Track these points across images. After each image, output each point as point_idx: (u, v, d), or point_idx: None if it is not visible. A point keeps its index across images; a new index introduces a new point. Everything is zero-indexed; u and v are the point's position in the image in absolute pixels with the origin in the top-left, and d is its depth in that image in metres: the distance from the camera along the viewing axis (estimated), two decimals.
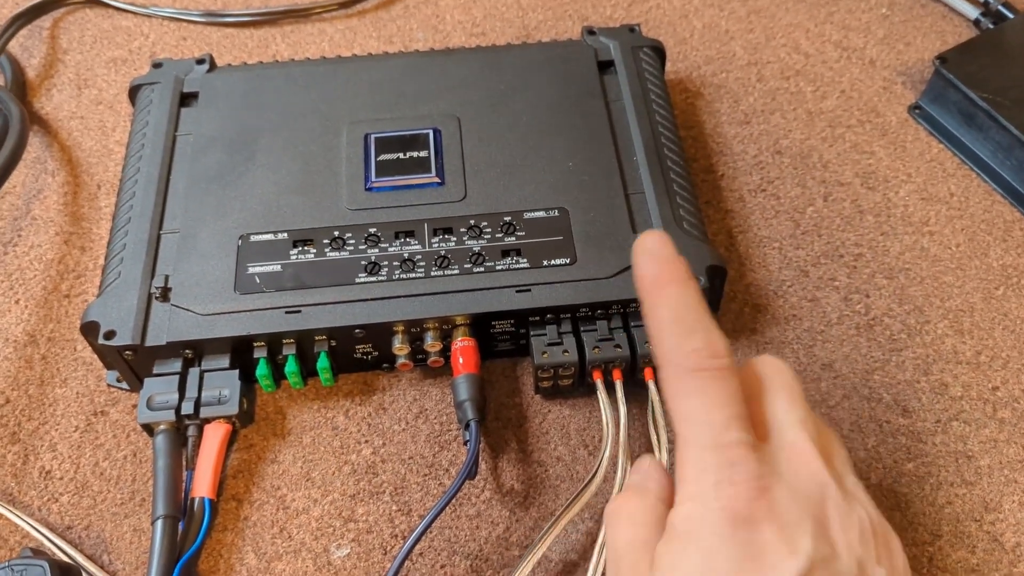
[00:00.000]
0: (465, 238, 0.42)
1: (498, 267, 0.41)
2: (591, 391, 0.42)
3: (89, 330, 0.40)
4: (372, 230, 0.43)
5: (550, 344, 0.41)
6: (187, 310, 0.40)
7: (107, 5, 0.61)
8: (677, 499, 0.28)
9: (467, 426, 0.39)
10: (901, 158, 0.52)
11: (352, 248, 0.42)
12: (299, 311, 0.40)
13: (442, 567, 0.38)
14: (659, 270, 0.29)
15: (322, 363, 0.41)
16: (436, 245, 0.42)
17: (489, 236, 0.42)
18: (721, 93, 0.56)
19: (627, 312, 0.41)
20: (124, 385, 0.43)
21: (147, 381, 0.40)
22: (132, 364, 0.41)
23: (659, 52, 0.52)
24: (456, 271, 0.41)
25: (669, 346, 0.29)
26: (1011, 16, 0.57)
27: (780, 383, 0.31)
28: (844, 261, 0.47)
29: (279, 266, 0.42)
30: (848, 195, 0.50)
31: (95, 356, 0.43)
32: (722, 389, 0.28)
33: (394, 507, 0.40)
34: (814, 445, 0.29)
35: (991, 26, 0.57)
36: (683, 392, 0.28)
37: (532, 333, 0.41)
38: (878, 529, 0.29)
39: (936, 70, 0.52)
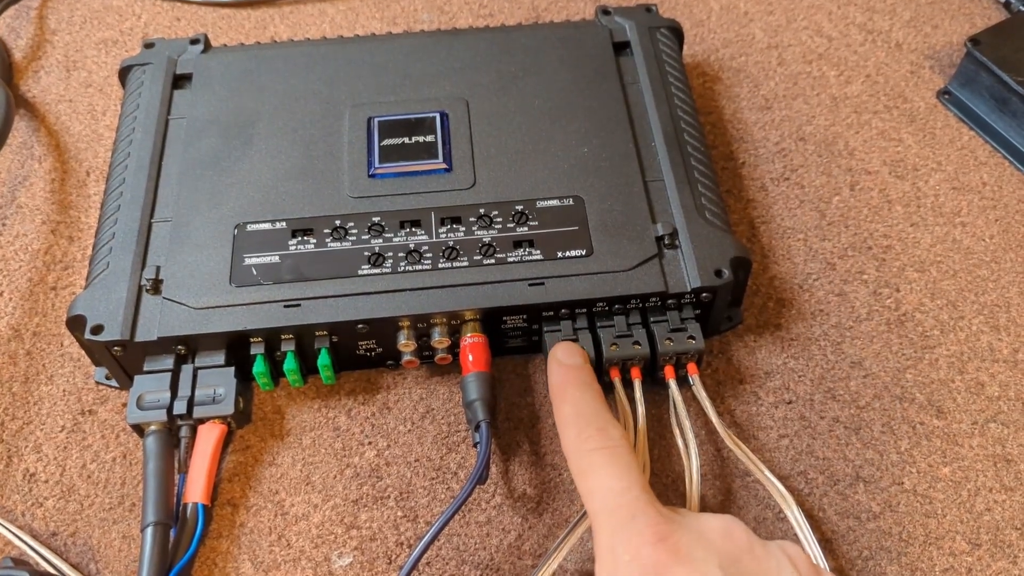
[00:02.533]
0: (474, 228, 0.40)
1: (510, 259, 0.39)
2: (608, 390, 0.39)
3: (75, 324, 0.38)
4: (376, 219, 0.40)
5: (565, 340, 0.38)
6: (179, 303, 0.38)
7: None
8: (596, 566, 0.31)
9: (477, 427, 0.37)
10: (930, 145, 0.50)
11: (355, 238, 0.40)
12: (298, 305, 0.38)
13: None
14: (565, 376, 0.36)
15: (323, 360, 0.38)
16: (444, 235, 0.40)
17: (500, 226, 0.40)
18: (740, 77, 0.53)
19: (646, 307, 0.39)
20: (113, 383, 0.40)
21: (137, 379, 0.38)
22: (121, 360, 0.38)
23: (677, 33, 0.49)
24: (465, 263, 0.39)
25: (569, 437, 0.34)
26: None
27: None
28: (873, 253, 0.45)
29: (277, 257, 0.39)
30: (876, 184, 0.48)
31: (83, 352, 0.41)
32: (617, 462, 0.32)
33: (399, 513, 0.37)
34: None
35: (1023, 8, 0.54)
36: (584, 471, 0.33)
37: (546, 329, 0.39)
38: (802, 568, 0.30)
39: (968, 53, 0.49)
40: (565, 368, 0.36)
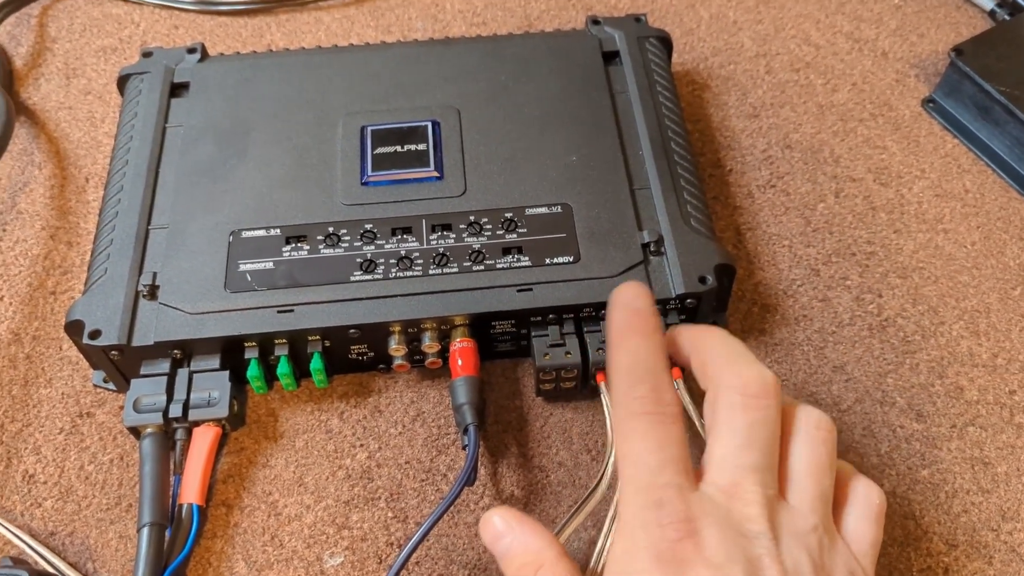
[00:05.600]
0: (464, 235, 0.41)
1: (499, 265, 0.40)
2: (594, 394, 0.40)
3: (74, 329, 0.39)
4: (368, 226, 0.41)
5: (552, 345, 0.39)
6: (175, 309, 0.39)
7: None
8: (615, 536, 0.30)
9: (466, 430, 0.38)
10: (915, 153, 0.51)
11: (347, 245, 0.41)
12: (292, 310, 0.39)
13: None
14: (628, 320, 0.32)
15: (316, 364, 0.39)
16: (434, 242, 0.41)
17: (489, 233, 0.41)
18: (729, 85, 0.54)
19: None
20: (111, 386, 0.41)
21: (134, 382, 0.39)
22: (118, 364, 0.39)
23: (666, 43, 0.50)
24: (455, 269, 0.40)
25: (620, 390, 0.31)
26: None
27: (736, 419, 0.31)
28: (856, 259, 0.46)
29: (271, 263, 0.40)
30: (860, 191, 0.49)
31: (81, 355, 0.42)
32: (661, 433, 0.30)
33: (390, 514, 0.38)
34: (759, 490, 0.29)
35: (1007, 17, 0.55)
36: (626, 434, 0.30)
37: (534, 334, 0.40)
38: (818, 562, 0.29)
39: (951, 62, 0.50)
40: (631, 312, 0.32)
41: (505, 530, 0.31)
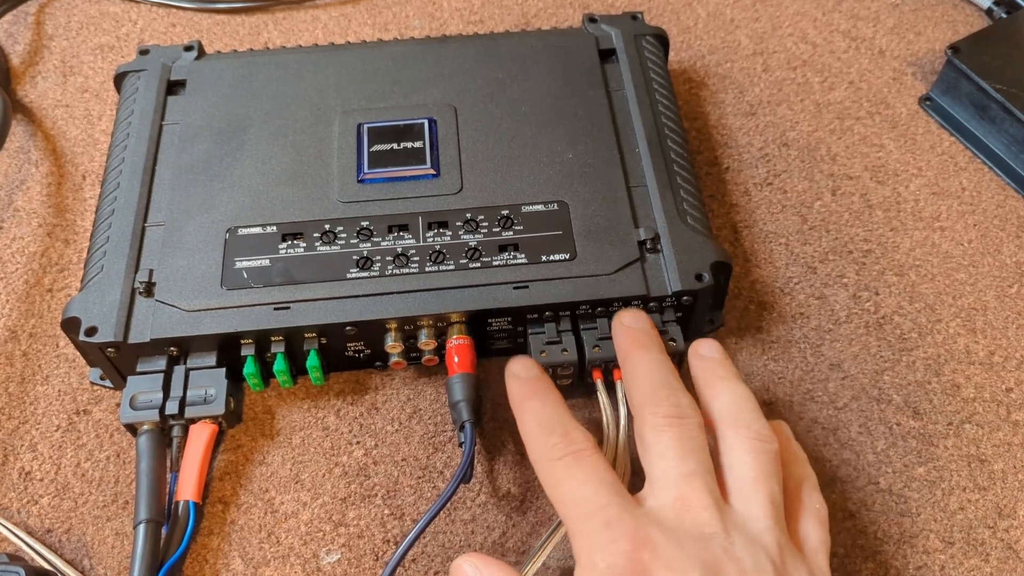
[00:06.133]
0: (461, 232, 0.41)
1: (495, 263, 0.40)
2: (591, 391, 0.40)
3: (70, 326, 0.39)
4: (364, 223, 0.41)
5: (549, 343, 0.39)
6: (172, 306, 0.39)
7: None
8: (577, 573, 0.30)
9: (462, 427, 0.38)
10: (911, 151, 0.51)
11: (343, 242, 0.41)
12: (288, 307, 0.39)
13: (435, 573, 0.37)
14: (522, 388, 0.35)
15: (312, 361, 0.39)
16: (431, 239, 0.41)
17: (486, 230, 0.41)
18: (726, 83, 0.54)
19: None
20: (107, 383, 0.41)
21: (130, 379, 0.39)
22: (115, 362, 0.39)
23: (662, 40, 0.50)
24: (451, 267, 0.40)
25: (535, 445, 0.33)
26: None
27: (663, 437, 0.32)
28: (853, 257, 0.46)
29: (267, 260, 0.40)
30: (857, 189, 0.49)
31: (78, 353, 0.42)
32: (585, 466, 0.31)
33: (386, 511, 0.38)
34: (706, 494, 0.30)
35: (1004, 15, 0.55)
36: (554, 481, 0.32)
37: (530, 331, 0.40)
38: (778, 562, 0.30)
39: (948, 60, 0.50)
40: (522, 380, 0.35)
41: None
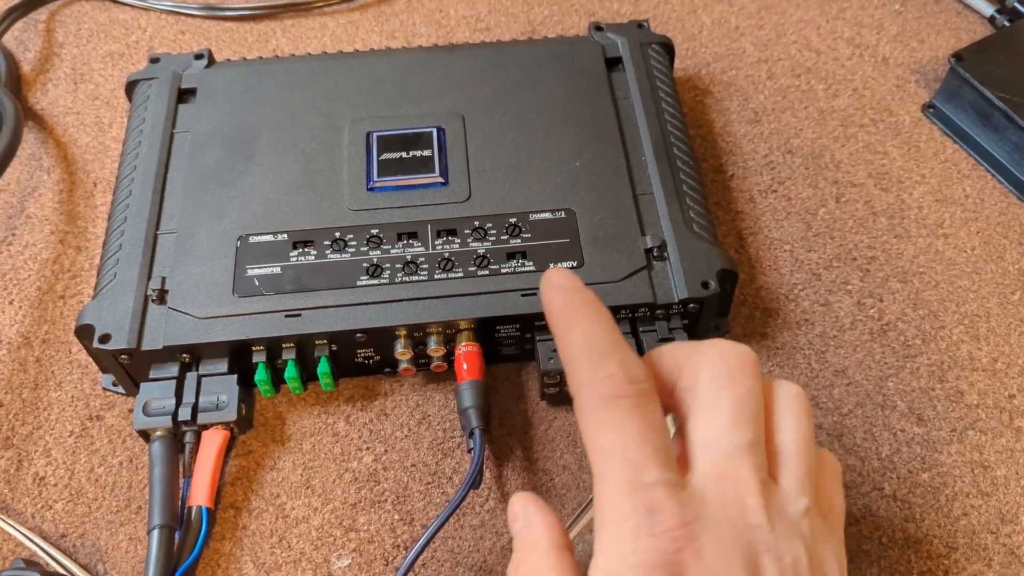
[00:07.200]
0: (469, 240, 0.41)
1: (503, 270, 0.40)
2: None
3: (84, 333, 0.39)
4: (374, 231, 0.42)
5: (556, 349, 0.39)
6: (184, 313, 0.39)
7: None
8: (596, 546, 0.26)
9: (471, 434, 0.38)
10: (915, 158, 0.51)
11: (353, 250, 0.41)
12: (299, 315, 0.39)
13: None
14: (568, 298, 0.28)
15: (322, 368, 0.40)
16: (440, 247, 0.41)
17: (494, 238, 0.41)
18: (731, 91, 0.55)
19: (635, 317, 0.40)
20: (120, 389, 0.42)
21: (143, 386, 0.39)
22: (128, 368, 0.40)
23: (668, 49, 0.50)
24: (460, 274, 0.40)
25: (582, 373, 0.27)
26: None
27: (722, 396, 0.28)
28: (857, 264, 0.46)
29: (279, 268, 0.41)
30: (861, 196, 0.49)
31: (91, 359, 0.42)
32: (640, 420, 0.26)
33: (396, 516, 0.39)
34: (754, 475, 0.27)
35: (1007, 24, 0.56)
36: (599, 424, 0.26)
37: (538, 338, 0.40)
38: (812, 551, 0.27)
39: (951, 68, 0.51)
40: (567, 291, 0.28)
41: (520, 513, 0.30)
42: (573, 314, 0.28)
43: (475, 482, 0.37)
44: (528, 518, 0.30)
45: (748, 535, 0.26)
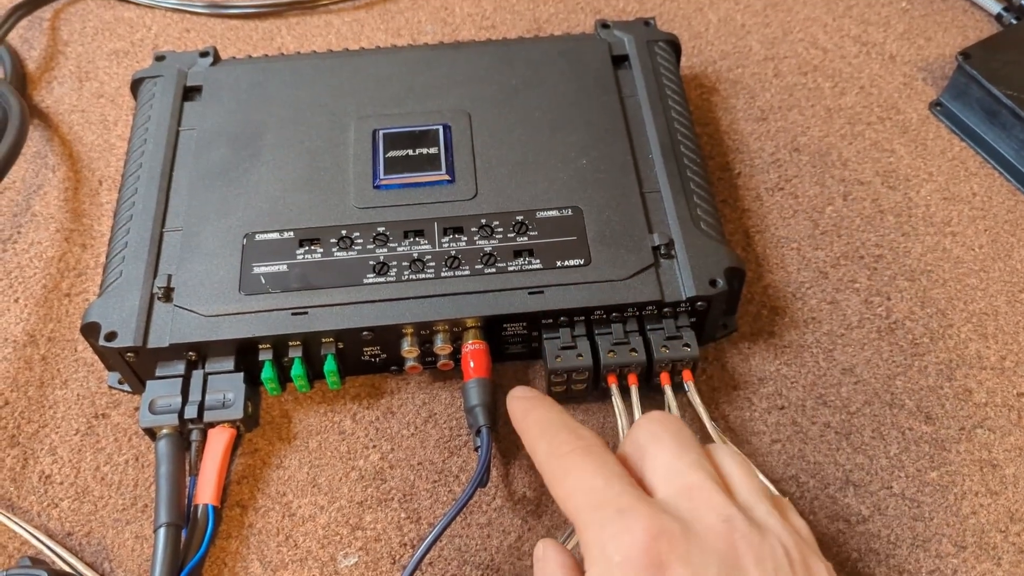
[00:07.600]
0: (476, 238, 0.41)
1: (510, 268, 0.40)
2: (605, 396, 0.40)
3: (90, 331, 0.39)
4: (380, 229, 0.42)
5: (563, 348, 0.39)
6: (190, 311, 0.39)
7: None
8: (586, 563, 0.29)
9: (478, 432, 0.38)
10: (922, 156, 0.51)
11: (360, 248, 0.41)
12: (305, 312, 0.39)
13: None
14: (527, 403, 0.35)
15: (329, 366, 0.40)
16: (446, 245, 0.41)
17: (501, 236, 0.41)
18: (737, 89, 0.54)
19: (643, 315, 0.40)
20: (126, 387, 0.41)
21: (149, 384, 0.39)
22: (134, 366, 0.40)
23: (675, 46, 0.50)
24: (467, 272, 0.40)
25: (541, 448, 0.32)
26: None
27: (661, 437, 0.31)
28: (864, 262, 0.46)
29: (285, 266, 0.41)
30: (868, 194, 0.49)
31: (96, 357, 0.42)
32: (595, 459, 0.30)
33: (403, 515, 0.39)
34: (713, 482, 0.30)
35: (1014, 21, 0.56)
36: (561, 473, 0.31)
37: (545, 336, 0.40)
38: (795, 556, 0.29)
39: (959, 66, 0.51)
40: (523, 399, 0.35)
41: (540, 553, 0.32)
42: (531, 410, 0.34)
43: (482, 480, 0.37)
44: (545, 551, 0.32)
45: (720, 528, 0.28)
